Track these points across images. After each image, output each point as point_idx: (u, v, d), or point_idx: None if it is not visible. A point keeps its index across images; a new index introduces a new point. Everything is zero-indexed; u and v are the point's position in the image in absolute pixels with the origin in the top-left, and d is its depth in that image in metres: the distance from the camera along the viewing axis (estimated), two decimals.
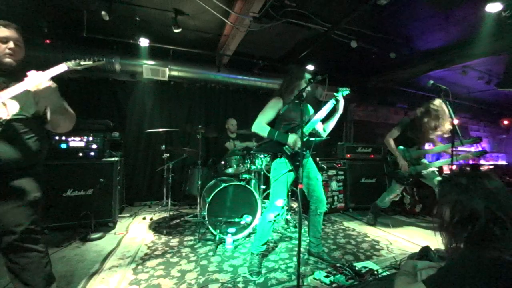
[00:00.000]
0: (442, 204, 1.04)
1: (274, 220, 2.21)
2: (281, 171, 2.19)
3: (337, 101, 2.27)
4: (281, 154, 2.21)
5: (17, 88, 1.23)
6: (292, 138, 2.13)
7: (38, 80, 1.22)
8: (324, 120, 2.34)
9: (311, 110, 2.46)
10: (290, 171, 2.19)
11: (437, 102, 2.85)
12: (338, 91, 2.26)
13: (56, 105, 1.35)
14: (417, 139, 3.10)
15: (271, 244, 2.69)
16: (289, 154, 2.17)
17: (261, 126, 2.20)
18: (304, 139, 2.15)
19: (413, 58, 4.19)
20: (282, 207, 2.24)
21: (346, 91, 2.26)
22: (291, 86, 2.27)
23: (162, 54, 3.95)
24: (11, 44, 1.33)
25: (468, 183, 0.97)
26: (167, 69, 3.99)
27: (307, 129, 2.19)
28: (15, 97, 1.25)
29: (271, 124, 2.26)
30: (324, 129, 2.36)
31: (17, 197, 1.31)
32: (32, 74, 1.22)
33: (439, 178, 3.04)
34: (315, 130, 2.34)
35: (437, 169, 3.13)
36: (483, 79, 4.84)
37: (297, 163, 2.20)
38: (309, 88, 2.08)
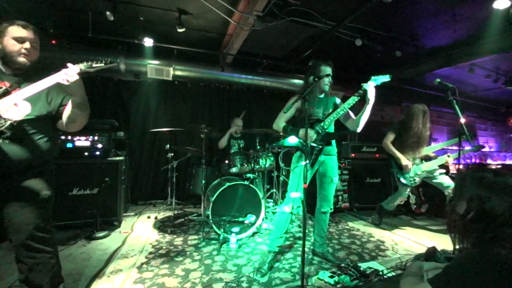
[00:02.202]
0: (458, 198, 1.00)
1: (291, 213, 2.19)
2: (297, 164, 2.22)
3: (361, 94, 2.08)
4: (296, 148, 2.26)
5: (41, 85, 1.24)
6: (302, 132, 2.12)
7: (70, 73, 1.24)
8: (356, 113, 2.22)
9: (332, 103, 2.33)
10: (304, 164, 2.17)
11: (414, 106, 3.06)
12: (370, 79, 2.08)
13: (82, 98, 1.37)
14: (412, 139, 3.06)
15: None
16: (304, 149, 2.15)
17: (278, 123, 2.28)
18: (322, 133, 2.14)
19: (419, 56, 4.14)
20: (298, 199, 2.20)
21: (383, 79, 2.05)
22: (308, 82, 2.24)
23: (166, 53, 3.97)
24: (27, 45, 1.34)
25: (492, 179, 0.93)
26: (171, 69, 4.00)
27: (327, 123, 2.14)
28: (27, 98, 1.26)
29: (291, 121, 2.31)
30: (357, 124, 2.18)
31: (28, 196, 1.33)
32: (65, 70, 1.25)
33: (444, 178, 3.01)
34: (339, 123, 2.27)
35: (439, 168, 3.09)
36: (490, 77, 4.77)
37: (313, 157, 2.18)
38: (327, 82, 2.16)
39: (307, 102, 2.09)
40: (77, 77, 1.26)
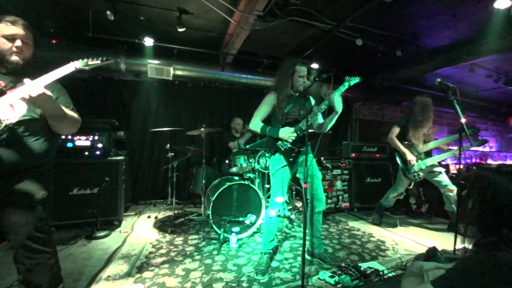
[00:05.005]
0: (474, 192, 1.00)
1: (279, 216, 2.20)
2: (275, 167, 2.19)
3: (331, 102, 2.08)
4: (274, 150, 2.19)
5: (15, 94, 1.19)
6: (282, 131, 2.10)
7: (31, 88, 1.16)
8: (325, 116, 2.22)
9: (313, 102, 2.36)
10: (283, 166, 2.17)
11: (417, 99, 3.05)
12: (345, 81, 2.10)
13: (51, 112, 1.30)
14: (416, 134, 3.07)
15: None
16: (283, 150, 2.14)
17: (255, 123, 2.21)
18: (300, 134, 2.12)
19: (420, 55, 4.13)
20: (282, 203, 2.22)
21: (354, 80, 2.09)
22: (283, 80, 2.22)
23: (166, 53, 3.97)
24: (18, 43, 1.29)
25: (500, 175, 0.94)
26: (171, 68, 4.00)
27: (303, 124, 2.12)
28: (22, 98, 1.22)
29: (268, 120, 2.26)
30: (326, 127, 2.23)
31: (25, 197, 1.31)
32: (27, 82, 1.17)
33: (443, 177, 3.01)
34: (315, 125, 2.28)
35: (443, 168, 3.11)
36: (491, 77, 4.76)
37: (291, 159, 2.18)
38: (301, 82, 2.10)
39: (280, 100, 2.14)
40: (39, 91, 1.17)
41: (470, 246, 0.98)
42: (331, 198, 3.97)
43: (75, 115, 1.45)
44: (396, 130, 3.18)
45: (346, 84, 2.09)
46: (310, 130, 2.15)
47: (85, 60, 1.28)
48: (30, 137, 1.32)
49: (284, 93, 2.19)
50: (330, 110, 2.14)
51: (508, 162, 8.43)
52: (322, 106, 2.09)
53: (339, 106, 2.06)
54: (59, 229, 2.85)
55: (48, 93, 1.22)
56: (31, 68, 1.37)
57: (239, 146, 4.13)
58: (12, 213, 1.29)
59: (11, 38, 1.28)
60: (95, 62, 1.30)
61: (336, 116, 2.13)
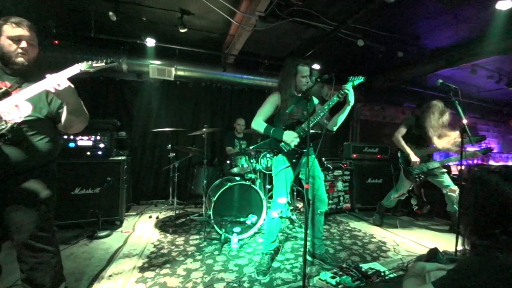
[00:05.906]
0: (479, 193, 0.98)
1: (281, 217, 2.20)
2: (278, 168, 2.19)
3: (342, 95, 2.07)
4: (277, 151, 2.19)
5: (34, 89, 1.20)
6: (286, 135, 2.09)
7: (57, 81, 1.19)
8: (335, 113, 2.20)
9: (315, 102, 2.36)
10: (286, 167, 2.17)
11: (434, 102, 2.99)
12: (348, 81, 2.09)
13: (75, 106, 1.33)
14: (423, 136, 3.07)
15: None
16: (286, 151, 2.14)
17: (258, 123, 2.20)
18: (303, 135, 2.12)
19: (421, 56, 4.13)
20: (285, 204, 2.22)
21: (358, 80, 2.07)
22: (286, 80, 2.22)
23: (168, 54, 3.98)
24: (23, 44, 1.30)
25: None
26: (173, 69, 4.01)
27: (306, 125, 2.08)
28: (28, 98, 1.23)
29: (271, 120, 2.26)
30: (335, 124, 2.20)
31: (28, 196, 1.32)
32: (50, 76, 1.19)
33: (445, 177, 3.01)
34: (319, 124, 2.25)
35: (445, 169, 3.10)
36: (493, 78, 4.75)
37: (294, 160, 2.18)
38: (305, 82, 2.10)
39: (283, 100, 2.14)
40: (66, 84, 1.20)
41: (468, 247, 0.98)
42: (332, 199, 3.97)
43: (86, 111, 1.46)
44: (402, 131, 3.14)
45: (350, 84, 2.07)
46: (312, 131, 2.15)
47: (90, 62, 1.28)
48: (34, 137, 1.33)
49: (287, 93, 2.20)
50: (342, 103, 2.11)
51: (510, 163, 8.40)
52: (325, 107, 2.09)
53: (351, 98, 2.06)
54: (61, 229, 2.86)
55: (72, 85, 1.23)
56: (36, 69, 1.38)
57: (240, 147, 4.15)
58: (16, 211, 1.29)
59: (16, 40, 1.29)
60: (100, 64, 1.30)
61: (349, 108, 2.11)
